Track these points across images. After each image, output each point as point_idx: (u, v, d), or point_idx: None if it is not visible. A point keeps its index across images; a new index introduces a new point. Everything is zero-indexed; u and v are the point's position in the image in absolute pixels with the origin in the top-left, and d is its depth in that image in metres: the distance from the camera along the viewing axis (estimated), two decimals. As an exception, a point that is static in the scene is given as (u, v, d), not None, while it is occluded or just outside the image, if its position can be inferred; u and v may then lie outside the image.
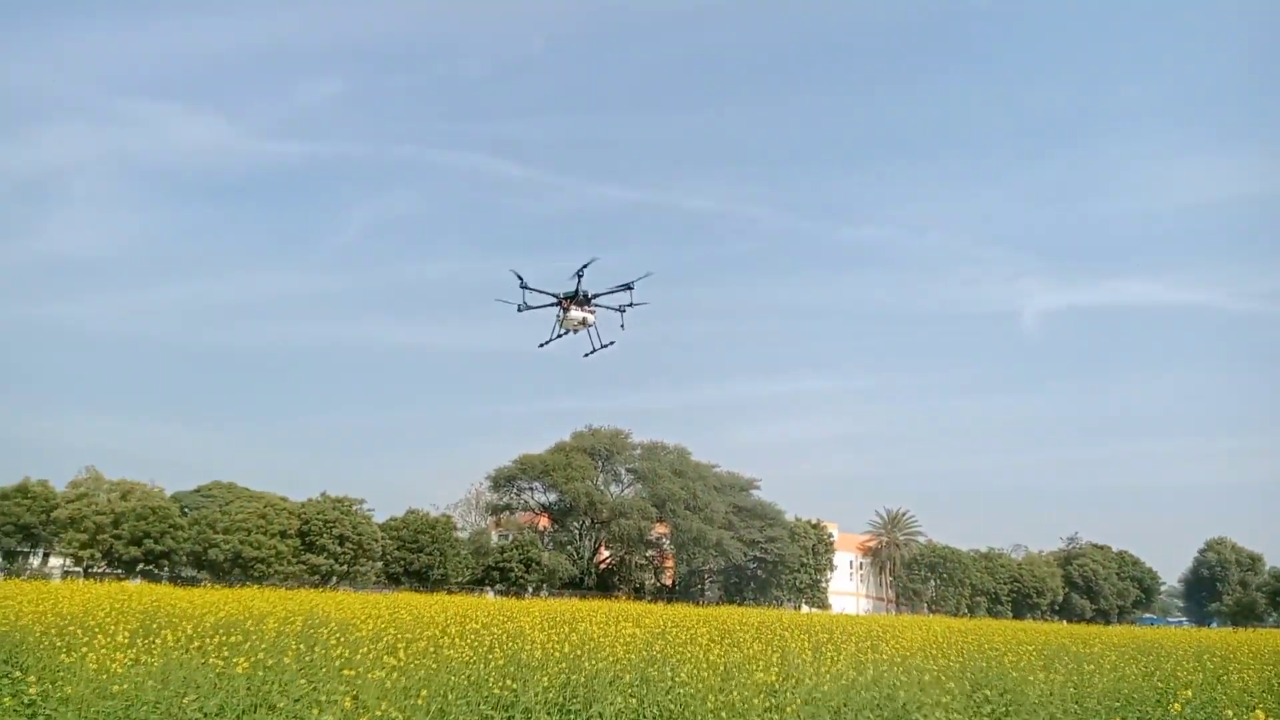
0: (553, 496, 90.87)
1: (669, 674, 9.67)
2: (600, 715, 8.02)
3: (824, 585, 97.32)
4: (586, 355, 28.55)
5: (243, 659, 8.88)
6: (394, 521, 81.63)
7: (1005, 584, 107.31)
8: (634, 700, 8.57)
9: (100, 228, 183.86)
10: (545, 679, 8.53)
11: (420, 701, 7.04)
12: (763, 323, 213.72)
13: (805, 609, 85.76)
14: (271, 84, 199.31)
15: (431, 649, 11.10)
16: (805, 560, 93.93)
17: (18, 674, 9.09)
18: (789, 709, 8.62)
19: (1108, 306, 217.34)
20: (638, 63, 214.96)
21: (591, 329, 27.67)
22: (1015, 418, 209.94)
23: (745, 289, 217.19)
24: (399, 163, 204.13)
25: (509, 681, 8.37)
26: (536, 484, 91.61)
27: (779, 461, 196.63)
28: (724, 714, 8.20)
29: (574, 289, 26.92)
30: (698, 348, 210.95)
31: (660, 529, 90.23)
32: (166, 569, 71.15)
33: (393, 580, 77.80)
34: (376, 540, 78.13)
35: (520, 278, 27.12)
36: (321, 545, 74.42)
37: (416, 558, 78.66)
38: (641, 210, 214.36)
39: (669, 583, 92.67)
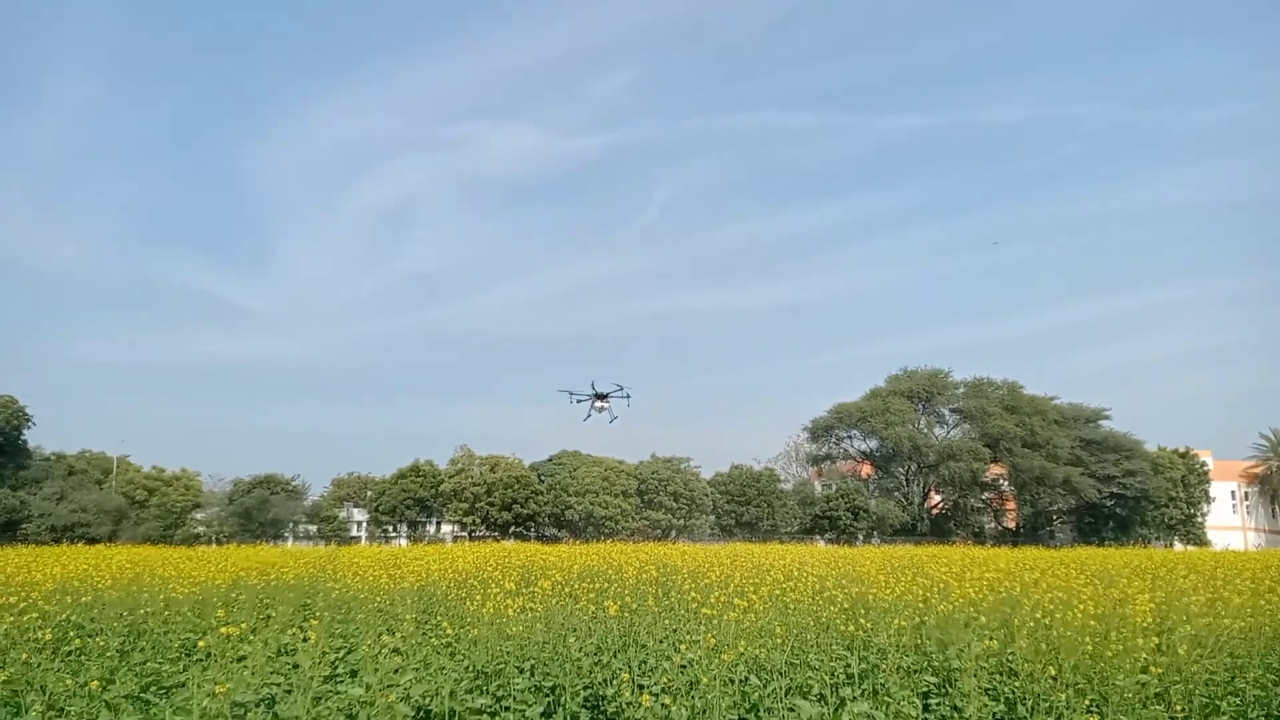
0: (873, 443, 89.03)
1: (1031, 615, 9.14)
2: (958, 656, 7.82)
3: (1200, 520, 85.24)
4: (611, 422, 57.73)
5: (611, 602, 9.75)
6: (720, 477, 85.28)
7: None
8: (994, 642, 8.23)
9: (446, 241, 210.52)
10: (897, 620, 8.49)
11: (777, 640, 7.36)
12: (1093, 233, 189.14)
13: (1179, 546, 76.01)
14: (570, 86, 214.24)
15: (777, 593, 11.49)
16: (1174, 494, 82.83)
17: (435, 620, 10.83)
18: (1181, 649, 7.78)
19: None
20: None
21: (609, 409, 56.77)
22: None
23: (1066, 201, 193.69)
24: (690, 135, 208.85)
25: (863, 621, 8.44)
26: (854, 432, 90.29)
27: (1128, 387, 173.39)
28: (1105, 654, 7.60)
29: (596, 391, 55.85)
30: (1015, 273, 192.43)
31: (996, 469, 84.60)
32: (532, 529, 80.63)
33: (725, 532, 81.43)
34: (706, 495, 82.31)
35: (570, 392, 57.66)
36: (659, 502, 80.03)
37: (745, 510, 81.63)
38: (941, 133, 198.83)
39: (1012, 525, 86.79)
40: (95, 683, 6.24)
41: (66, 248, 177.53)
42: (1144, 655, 7.82)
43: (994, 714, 7.09)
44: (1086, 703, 6.95)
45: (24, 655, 7.11)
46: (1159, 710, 7.05)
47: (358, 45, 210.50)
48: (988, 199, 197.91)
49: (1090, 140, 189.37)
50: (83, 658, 8.22)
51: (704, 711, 6.12)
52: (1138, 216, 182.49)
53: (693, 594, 11.53)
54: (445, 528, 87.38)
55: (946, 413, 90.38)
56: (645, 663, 7.91)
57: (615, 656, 8.40)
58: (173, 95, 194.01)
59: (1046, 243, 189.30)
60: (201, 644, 7.23)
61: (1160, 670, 7.63)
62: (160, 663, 8.30)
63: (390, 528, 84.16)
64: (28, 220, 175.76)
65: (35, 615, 9.30)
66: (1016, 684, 7.41)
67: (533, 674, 7.74)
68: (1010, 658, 8.03)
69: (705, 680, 6.17)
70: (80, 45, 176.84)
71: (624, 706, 6.70)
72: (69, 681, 6.58)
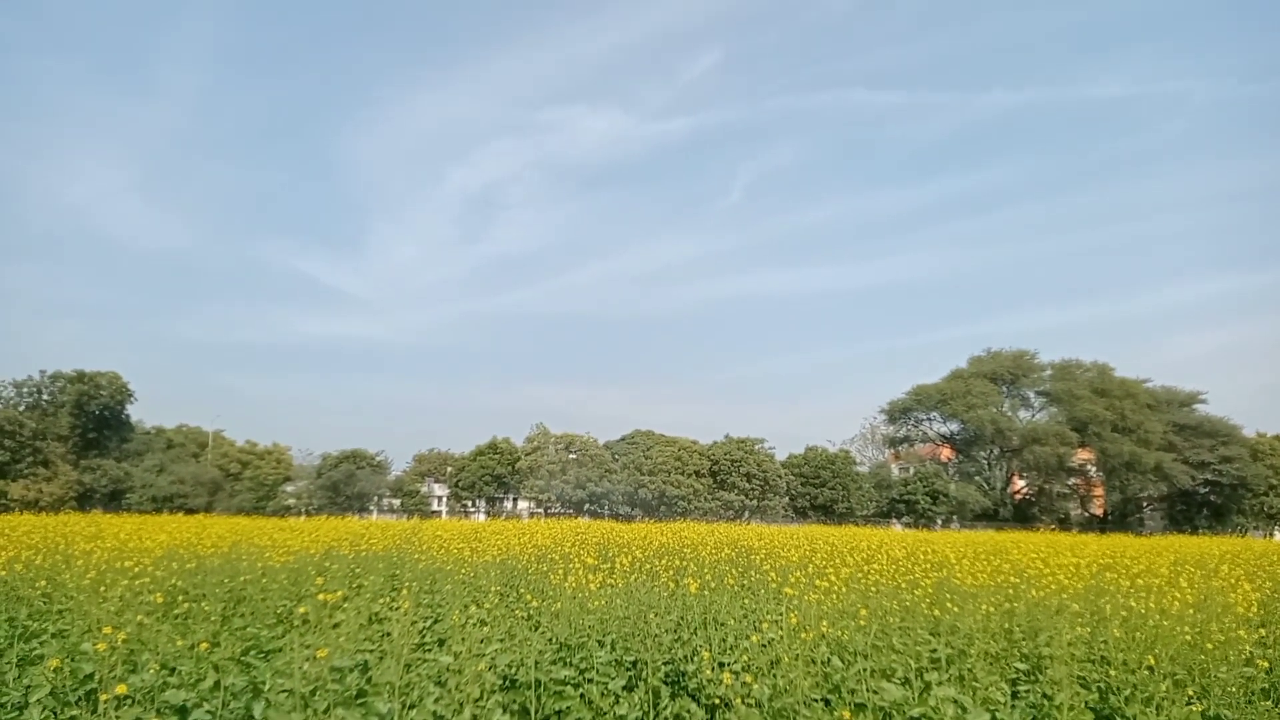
0: (954, 426, 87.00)
1: (1125, 603, 8.82)
2: (1048, 643, 7.61)
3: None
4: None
5: (691, 580, 9.79)
6: (795, 458, 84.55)
7: None
8: (1086, 630, 7.98)
9: (533, 224, 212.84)
10: (985, 606, 8.30)
11: (861, 622, 7.28)
12: (1194, 212, 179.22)
13: (1281, 538, 72.34)
14: (657, 69, 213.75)
15: (858, 575, 11.36)
16: (1275, 481, 78.60)
17: (518, 593, 11.07)
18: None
19: None
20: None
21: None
22: None
23: (1167, 180, 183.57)
24: (777, 116, 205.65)
25: (949, 605, 8.28)
26: (934, 414, 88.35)
27: (1224, 370, 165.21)
28: (1206, 645, 7.30)
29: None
30: (1109, 255, 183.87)
31: (1083, 454, 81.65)
32: (606, 507, 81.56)
33: (799, 514, 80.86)
34: (780, 476, 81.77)
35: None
36: (732, 483, 79.88)
37: (820, 492, 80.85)
38: (1036, 111, 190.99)
39: (1099, 512, 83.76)
40: (204, 644, 6.58)
41: (174, 231, 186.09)
42: (1248, 648, 7.48)
43: (1086, 703, 6.88)
44: (1188, 694, 6.69)
45: (139, 617, 7.54)
46: (1267, 706, 6.74)
47: (452, 33, 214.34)
48: (1083, 178, 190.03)
49: (1197, 116, 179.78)
50: (189, 621, 8.68)
51: (785, 691, 6.10)
52: (1240, 195, 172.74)
53: (771, 574, 11.50)
54: (522, 504, 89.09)
55: (1032, 395, 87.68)
56: (725, 640, 7.92)
57: (695, 634, 8.42)
58: (276, 85, 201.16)
59: (1144, 222, 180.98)
60: (301, 610, 7.55)
61: (1267, 664, 7.29)
62: (259, 628, 8.70)
63: (469, 503, 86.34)
64: (139, 205, 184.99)
65: (147, 580, 9.85)
66: (1111, 673, 7.17)
67: (614, 648, 7.83)
68: (1103, 646, 7.77)
69: (787, 659, 6.15)
70: (191, 37, 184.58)
71: (705, 683, 6.74)
72: (179, 643, 6.95)
